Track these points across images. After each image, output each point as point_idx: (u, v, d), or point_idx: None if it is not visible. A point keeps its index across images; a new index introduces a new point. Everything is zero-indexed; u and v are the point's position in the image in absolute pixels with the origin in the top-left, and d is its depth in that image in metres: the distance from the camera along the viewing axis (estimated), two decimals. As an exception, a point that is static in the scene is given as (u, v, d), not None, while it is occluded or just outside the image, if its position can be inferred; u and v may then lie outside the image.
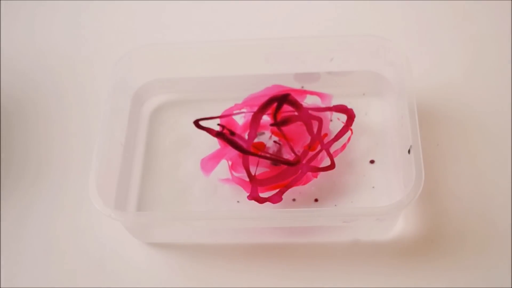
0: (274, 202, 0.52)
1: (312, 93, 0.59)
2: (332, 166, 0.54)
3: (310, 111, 0.56)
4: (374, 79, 0.61)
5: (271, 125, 0.57)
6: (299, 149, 0.56)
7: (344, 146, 0.56)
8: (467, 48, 0.64)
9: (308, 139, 0.56)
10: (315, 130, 0.56)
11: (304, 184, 0.54)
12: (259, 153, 0.56)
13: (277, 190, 0.53)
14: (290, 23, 0.70)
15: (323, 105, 0.59)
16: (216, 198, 0.57)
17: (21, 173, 0.61)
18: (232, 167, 0.56)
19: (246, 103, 0.59)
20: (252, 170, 0.54)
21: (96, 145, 0.53)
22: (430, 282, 0.51)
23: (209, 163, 0.56)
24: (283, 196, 0.53)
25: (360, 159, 0.57)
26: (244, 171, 0.54)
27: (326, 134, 0.57)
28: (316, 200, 0.55)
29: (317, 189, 0.56)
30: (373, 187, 0.56)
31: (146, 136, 0.62)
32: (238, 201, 0.56)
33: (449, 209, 0.54)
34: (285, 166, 0.54)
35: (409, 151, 0.50)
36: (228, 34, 0.70)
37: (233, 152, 0.55)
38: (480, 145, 0.58)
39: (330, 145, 0.55)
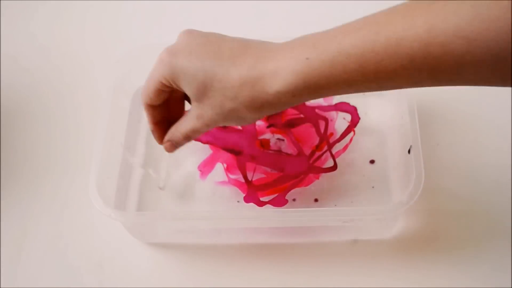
0: (277, 206, 0.52)
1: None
2: (334, 167, 0.54)
3: (316, 110, 0.56)
4: (374, 79, 0.61)
5: (268, 127, 0.57)
6: (307, 150, 0.56)
7: (346, 147, 0.56)
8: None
9: (314, 140, 0.56)
10: (321, 130, 0.56)
11: (306, 185, 0.54)
12: (261, 149, 0.56)
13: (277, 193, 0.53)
14: (290, 23, 0.70)
15: (325, 104, 0.59)
16: (216, 198, 0.57)
17: (21, 173, 0.61)
18: (228, 169, 0.56)
19: None
20: (249, 174, 0.54)
21: (96, 145, 0.54)
22: (430, 281, 0.51)
23: (205, 168, 0.57)
24: (282, 197, 0.53)
25: (360, 159, 0.57)
26: (240, 171, 0.54)
27: (332, 134, 0.57)
28: (316, 200, 0.55)
29: (317, 189, 0.56)
30: (373, 187, 0.56)
31: (146, 136, 0.62)
32: (238, 201, 0.56)
33: (449, 209, 0.54)
34: (281, 173, 0.54)
35: (409, 151, 0.50)
36: (228, 34, 0.69)
37: (227, 154, 0.55)
38: (480, 145, 0.58)
39: (334, 145, 0.55)
